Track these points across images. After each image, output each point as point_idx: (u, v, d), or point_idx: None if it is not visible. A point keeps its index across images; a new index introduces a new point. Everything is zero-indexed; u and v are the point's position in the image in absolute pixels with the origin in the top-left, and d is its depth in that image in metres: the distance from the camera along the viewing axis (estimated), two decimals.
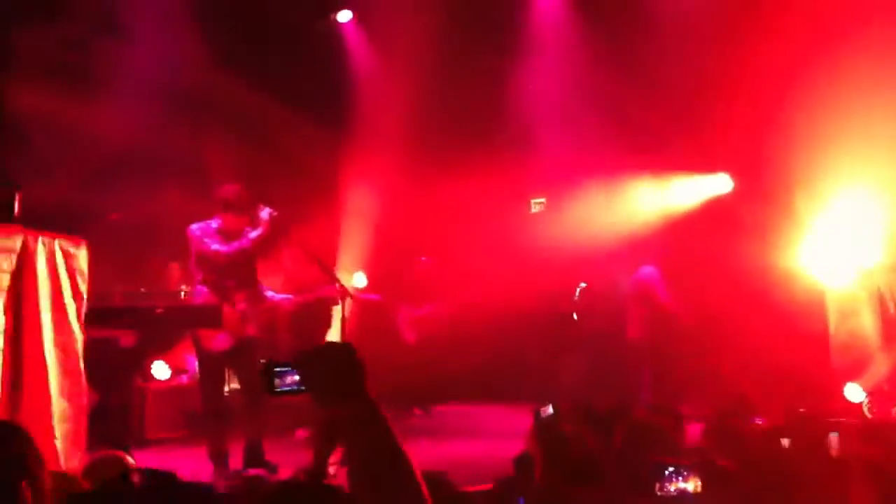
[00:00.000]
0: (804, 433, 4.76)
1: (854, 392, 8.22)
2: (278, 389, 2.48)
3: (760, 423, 6.18)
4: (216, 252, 6.41)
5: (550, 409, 4.58)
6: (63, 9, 9.90)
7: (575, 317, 11.03)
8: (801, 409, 6.39)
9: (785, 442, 4.68)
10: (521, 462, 4.11)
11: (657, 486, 3.55)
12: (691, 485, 3.54)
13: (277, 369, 2.46)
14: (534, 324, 11.21)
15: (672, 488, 3.51)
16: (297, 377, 2.42)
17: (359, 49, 11.66)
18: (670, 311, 9.51)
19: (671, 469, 3.53)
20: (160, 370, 8.09)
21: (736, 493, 3.65)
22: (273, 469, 6.33)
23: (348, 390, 2.21)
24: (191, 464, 6.52)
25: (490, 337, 11.00)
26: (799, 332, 9.10)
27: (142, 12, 9.97)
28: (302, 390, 2.43)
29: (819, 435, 4.80)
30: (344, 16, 11.51)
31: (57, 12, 9.84)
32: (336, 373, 2.24)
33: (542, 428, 3.98)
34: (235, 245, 6.43)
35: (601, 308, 10.93)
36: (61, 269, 5.11)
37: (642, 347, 9.73)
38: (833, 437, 4.68)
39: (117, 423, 6.31)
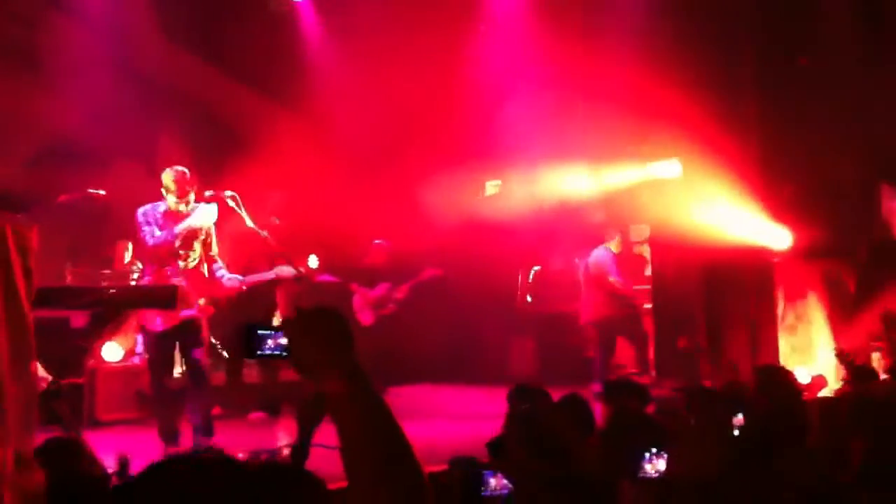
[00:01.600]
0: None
1: (801, 374, 8.41)
2: (259, 353, 2.41)
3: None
4: (144, 239, 6.45)
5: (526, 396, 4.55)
6: None
7: (529, 299, 11.11)
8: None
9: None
10: (494, 447, 4.11)
11: (639, 469, 3.56)
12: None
13: (259, 332, 2.40)
14: (488, 306, 11.28)
15: (652, 470, 3.52)
16: (280, 341, 2.36)
17: (312, 29, 11.55)
18: (624, 293, 9.60)
19: (653, 451, 3.54)
20: (111, 351, 8.02)
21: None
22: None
23: (338, 359, 2.12)
24: (143, 445, 6.50)
25: (445, 319, 11.04)
26: (748, 310, 9.29)
27: None
28: (284, 355, 2.37)
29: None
30: None
31: None
32: (326, 338, 2.15)
33: (520, 416, 3.96)
34: (160, 237, 6.42)
35: (555, 291, 11.04)
36: (10, 250, 5.02)
37: (596, 330, 9.82)
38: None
39: (69, 404, 6.23)
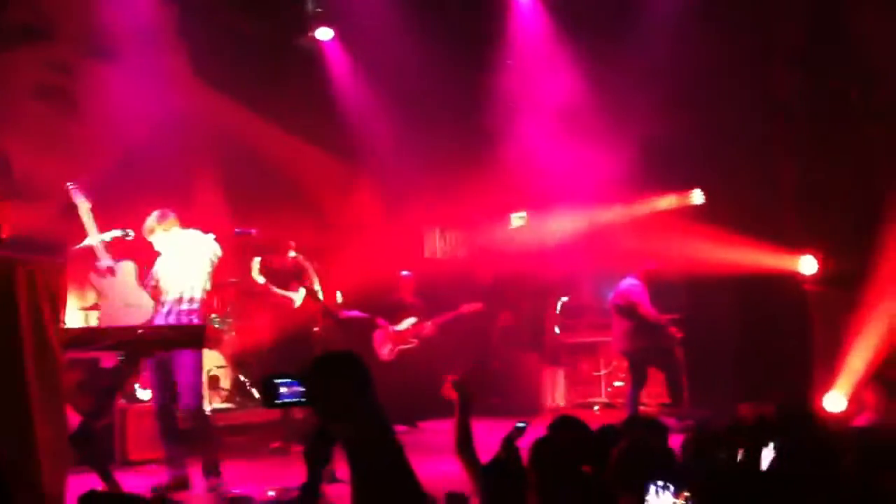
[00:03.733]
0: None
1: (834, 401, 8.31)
2: (277, 402, 2.49)
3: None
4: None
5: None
6: (47, 31, 9.94)
7: (557, 330, 11.10)
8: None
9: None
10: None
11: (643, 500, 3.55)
12: (681, 501, 3.54)
13: (276, 381, 2.47)
14: (516, 337, 11.28)
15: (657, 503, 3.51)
16: (297, 389, 2.42)
17: (340, 66, 11.70)
18: (656, 321, 9.52)
19: (660, 484, 3.53)
20: (143, 391, 8.12)
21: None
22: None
23: (354, 403, 2.16)
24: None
25: (473, 350, 11.04)
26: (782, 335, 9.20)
27: (122, 34, 10.00)
28: (303, 402, 2.43)
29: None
30: (324, 34, 11.52)
31: (41, 35, 9.88)
32: (342, 385, 2.20)
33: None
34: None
35: (583, 321, 11.03)
36: (40, 291, 5.12)
37: (627, 360, 9.77)
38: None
39: (100, 445, 6.32)
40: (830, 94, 9.75)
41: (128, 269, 6.65)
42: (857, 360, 9.21)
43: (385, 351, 10.05)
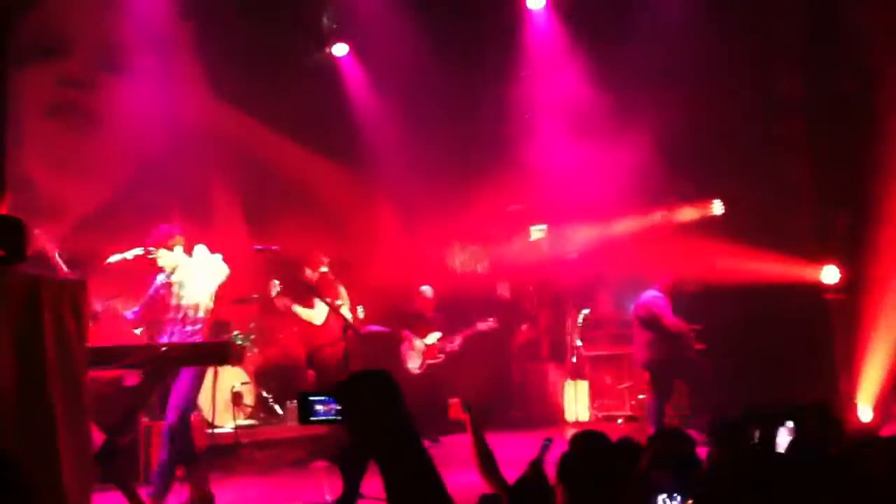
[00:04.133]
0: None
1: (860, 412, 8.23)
2: (312, 418, 2.49)
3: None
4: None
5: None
6: (62, 48, 9.99)
7: (579, 343, 11.03)
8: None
9: None
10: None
11: None
12: None
13: (311, 398, 2.47)
14: (536, 350, 11.24)
15: None
16: (332, 406, 2.43)
17: (356, 82, 11.72)
18: (679, 333, 9.44)
19: (666, 496, 3.48)
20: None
21: None
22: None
23: (388, 421, 2.17)
24: None
25: (496, 365, 11.01)
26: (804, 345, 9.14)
27: (138, 49, 10.04)
28: (337, 420, 2.43)
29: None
30: (340, 49, 11.54)
31: (57, 51, 9.93)
32: (376, 402, 2.21)
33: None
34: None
35: (605, 333, 10.97)
36: (64, 308, 5.11)
37: (650, 372, 9.69)
38: None
39: (124, 462, 6.30)
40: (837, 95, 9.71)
41: None
42: (877, 369, 9.14)
43: (415, 365, 10.00)
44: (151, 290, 6.72)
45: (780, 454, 3.87)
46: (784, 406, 4.48)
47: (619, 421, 10.73)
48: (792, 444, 3.99)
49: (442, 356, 10.09)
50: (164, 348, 6.07)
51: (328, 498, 6.26)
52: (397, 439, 2.20)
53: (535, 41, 11.60)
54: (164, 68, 10.24)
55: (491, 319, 10.19)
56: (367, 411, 2.25)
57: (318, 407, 2.49)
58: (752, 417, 4.24)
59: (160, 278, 6.68)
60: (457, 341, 10.12)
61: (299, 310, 8.78)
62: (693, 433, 7.45)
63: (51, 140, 9.81)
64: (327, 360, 8.46)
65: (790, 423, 4.03)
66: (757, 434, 4.07)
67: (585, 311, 11.05)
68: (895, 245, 9.34)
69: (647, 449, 4.88)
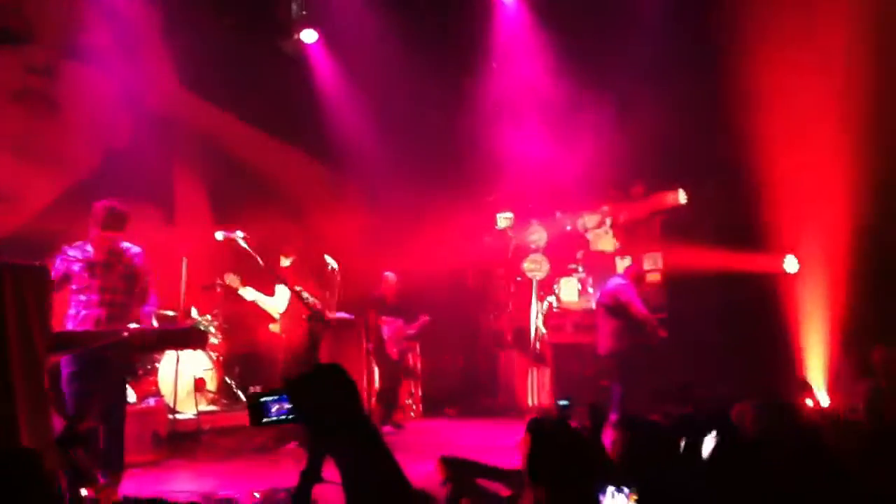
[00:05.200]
0: None
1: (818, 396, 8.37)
2: (265, 420, 2.46)
3: None
4: None
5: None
6: (27, 34, 9.90)
7: (543, 331, 11.10)
8: None
9: None
10: None
11: None
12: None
13: (263, 399, 2.44)
14: (505, 338, 11.30)
15: None
16: (284, 405, 2.40)
17: (325, 70, 11.69)
18: (645, 321, 9.50)
19: (613, 488, 3.55)
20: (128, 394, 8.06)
21: None
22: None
23: (343, 416, 2.17)
24: (157, 486, 6.58)
25: (460, 353, 11.08)
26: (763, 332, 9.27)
27: (106, 37, 9.97)
28: (290, 419, 2.41)
29: None
30: (309, 36, 11.49)
31: (21, 38, 9.84)
32: (327, 397, 2.20)
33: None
34: None
35: (569, 322, 11.04)
36: (26, 295, 5.10)
37: (614, 361, 9.76)
38: None
39: (85, 447, 6.28)
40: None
41: None
42: (817, 352, 9.30)
43: (392, 349, 9.99)
44: None
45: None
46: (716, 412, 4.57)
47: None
48: (716, 448, 4.07)
49: (405, 343, 10.13)
50: (125, 333, 6.06)
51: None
52: (351, 433, 2.20)
53: (505, 32, 11.62)
54: (129, 55, 10.17)
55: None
56: (319, 407, 2.24)
57: (271, 407, 2.47)
58: (679, 427, 4.31)
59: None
60: (413, 328, 10.15)
61: (259, 298, 8.75)
62: (658, 419, 7.61)
63: (14, 126, 9.72)
64: (293, 347, 8.45)
65: (714, 433, 4.11)
66: (682, 443, 4.14)
67: (550, 299, 11.11)
68: (843, 232, 9.50)
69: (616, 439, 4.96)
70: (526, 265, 11.07)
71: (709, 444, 4.15)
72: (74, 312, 6.42)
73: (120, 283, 6.51)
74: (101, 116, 10.25)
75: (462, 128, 11.31)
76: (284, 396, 2.44)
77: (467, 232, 11.44)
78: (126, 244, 6.63)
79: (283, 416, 2.47)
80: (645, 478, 3.68)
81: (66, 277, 6.44)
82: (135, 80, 10.28)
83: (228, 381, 9.84)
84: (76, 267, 6.46)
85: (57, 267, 6.40)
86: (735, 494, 3.31)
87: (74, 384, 6.21)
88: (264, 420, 2.42)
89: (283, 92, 11.22)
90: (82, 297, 6.44)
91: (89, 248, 6.50)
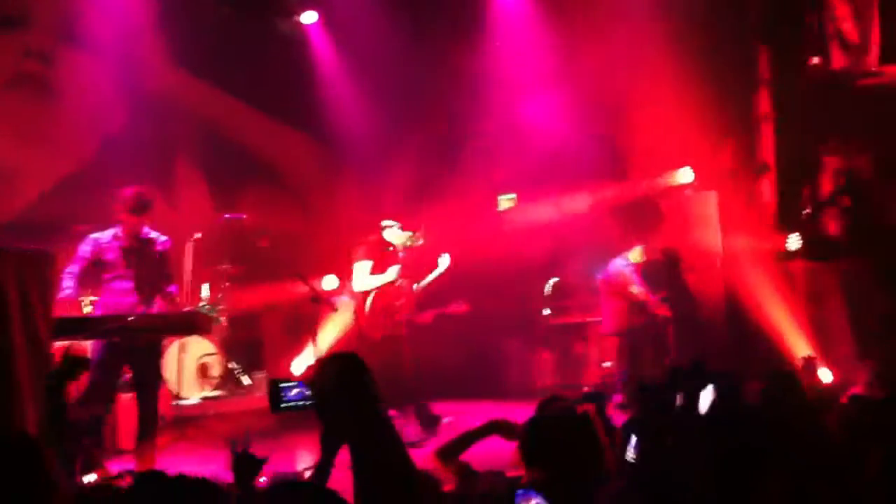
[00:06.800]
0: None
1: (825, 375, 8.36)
2: (283, 405, 2.47)
3: None
4: None
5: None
6: (24, 19, 9.82)
7: (547, 311, 11.07)
8: None
9: None
10: None
11: None
12: None
13: (282, 385, 2.45)
14: (507, 320, 11.26)
15: None
16: (303, 391, 2.42)
17: (324, 50, 11.60)
18: (647, 302, 9.54)
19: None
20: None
21: None
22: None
23: (356, 405, 2.17)
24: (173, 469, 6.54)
25: (465, 334, 11.02)
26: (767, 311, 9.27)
27: (103, 21, 9.88)
28: (308, 405, 2.42)
29: None
30: (309, 17, 11.39)
31: (17, 22, 9.76)
32: (343, 386, 2.20)
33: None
34: None
35: (573, 302, 11.02)
36: (28, 281, 5.06)
37: (617, 340, 9.77)
38: None
39: (91, 434, 6.27)
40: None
41: None
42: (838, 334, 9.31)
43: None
44: None
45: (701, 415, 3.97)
46: (714, 371, 4.60)
47: (586, 389, 10.79)
48: (712, 406, 4.10)
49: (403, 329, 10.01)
50: (130, 319, 6.03)
51: (301, 468, 6.27)
52: (365, 422, 2.22)
53: (504, 13, 11.53)
54: (125, 39, 10.08)
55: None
56: (334, 396, 2.26)
57: (289, 393, 2.48)
58: (675, 382, 4.33)
59: None
60: (427, 317, 10.05)
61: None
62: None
63: (12, 111, 9.67)
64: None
65: (711, 387, 4.14)
66: (679, 398, 4.17)
67: (554, 280, 11.09)
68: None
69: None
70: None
71: (706, 398, 4.18)
72: (107, 299, 6.43)
73: (152, 269, 6.56)
74: (99, 101, 10.19)
75: (463, 108, 11.23)
76: (301, 382, 2.48)
77: (468, 213, 11.36)
78: (150, 231, 6.66)
79: (301, 402, 2.49)
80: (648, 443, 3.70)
81: (100, 264, 6.44)
82: (132, 65, 10.21)
83: (232, 367, 9.80)
84: (111, 255, 6.47)
85: (84, 253, 6.41)
86: (730, 457, 3.29)
87: (96, 372, 6.21)
88: (282, 405, 2.45)
89: (282, 73, 11.14)
90: (117, 285, 6.45)
91: (119, 234, 6.50)
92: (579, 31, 10.58)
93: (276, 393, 2.41)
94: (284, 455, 7.38)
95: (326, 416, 2.36)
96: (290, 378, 2.39)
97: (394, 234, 8.29)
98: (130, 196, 6.50)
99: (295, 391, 2.44)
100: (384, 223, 8.25)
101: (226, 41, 10.64)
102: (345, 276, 9.99)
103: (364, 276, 8.09)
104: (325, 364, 2.34)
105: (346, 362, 2.35)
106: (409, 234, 8.28)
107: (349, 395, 2.27)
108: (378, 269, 8.14)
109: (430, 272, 8.72)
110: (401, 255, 8.26)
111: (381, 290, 8.19)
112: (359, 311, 8.24)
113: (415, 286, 8.51)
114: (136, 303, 6.43)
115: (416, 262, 8.65)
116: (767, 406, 4.72)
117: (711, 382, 4.25)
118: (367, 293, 8.16)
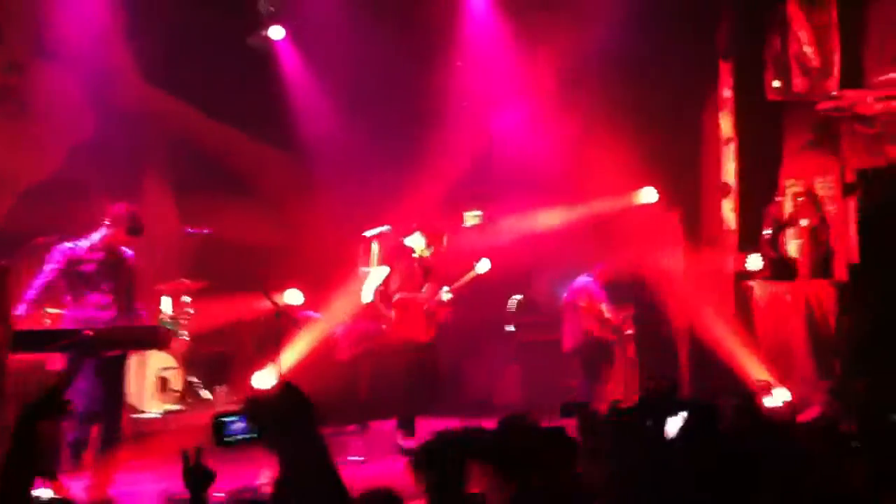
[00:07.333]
0: None
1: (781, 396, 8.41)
2: (227, 440, 2.48)
3: None
4: None
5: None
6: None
7: (512, 328, 11.11)
8: None
9: None
10: None
11: None
12: None
13: (225, 419, 2.46)
14: (470, 336, 11.27)
15: None
16: (245, 425, 2.43)
17: (292, 65, 11.61)
18: (613, 320, 9.61)
19: None
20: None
21: None
22: None
23: (299, 435, 2.20)
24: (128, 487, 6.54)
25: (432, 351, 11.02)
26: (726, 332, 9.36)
27: (71, 32, 9.86)
28: (252, 438, 2.44)
29: None
30: (276, 32, 11.38)
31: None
32: (285, 419, 2.23)
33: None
34: None
35: (537, 319, 11.06)
36: None
37: (579, 358, 9.81)
38: None
39: (47, 449, 6.23)
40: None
41: None
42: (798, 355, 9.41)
43: (342, 352, 9.90)
44: None
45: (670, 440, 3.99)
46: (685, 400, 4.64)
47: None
48: (682, 431, 4.12)
49: (368, 344, 10.01)
50: (87, 332, 6.01)
51: (260, 482, 6.26)
52: (304, 452, 2.25)
53: (473, 24, 11.60)
54: (94, 52, 10.06)
55: None
56: (276, 429, 2.28)
57: (232, 427, 2.49)
58: (646, 408, 4.36)
59: None
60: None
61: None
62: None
63: None
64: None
65: (683, 413, 4.16)
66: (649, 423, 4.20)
67: (518, 297, 11.13)
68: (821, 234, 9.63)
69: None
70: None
71: (674, 424, 4.21)
72: (79, 313, 6.39)
73: (123, 283, 6.56)
74: (67, 111, 10.15)
75: (431, 122, 11.26)
76: (244, 417, 2.49)
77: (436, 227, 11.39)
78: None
79: (246, 436, 2.51)
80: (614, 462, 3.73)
81: (74, 275, 6.36)
82: (100, 77, 10.18)
83: (192, 381, 9.72)
84: (89, 267, 6.41)
85: (56, 264, 6.34)
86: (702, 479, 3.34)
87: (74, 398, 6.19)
88: (226, 439, 2.46)
89: (251, 87, 11.14)
90: (94, 298, 6.40)
91: (97, 246, 6.45)
92: (544, 48, 10.67)
93: (219, 427, 2.41)
94: (244, 469, 7.37)
95: (272, 448, 2.38)
96: (233, 412, 2.39)
97: (415, 240, 8.29)
98: (127, 215, 6.50)
99: (237, 425, 2.45)
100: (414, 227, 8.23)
101: (196, 54, 10.63)
102: (314, 289, 10.03)
103: (373, 284, 8.10)
104: (267, 398, 2.36)
105: (286, 395, 2.37)
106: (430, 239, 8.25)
107: (289, 430, 2.30)
108: (397, 276, 8.13)
109: (462, 276, 8.67)
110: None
111: (404, 297, 8.20)
112: (384, 319, 8.25)
113: (444, 289, 8.48)
114: (115, 318, 6.40)
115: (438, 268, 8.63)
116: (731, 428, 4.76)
117: (685, 409, 4.25)
118: (388, 301, 8.08)
